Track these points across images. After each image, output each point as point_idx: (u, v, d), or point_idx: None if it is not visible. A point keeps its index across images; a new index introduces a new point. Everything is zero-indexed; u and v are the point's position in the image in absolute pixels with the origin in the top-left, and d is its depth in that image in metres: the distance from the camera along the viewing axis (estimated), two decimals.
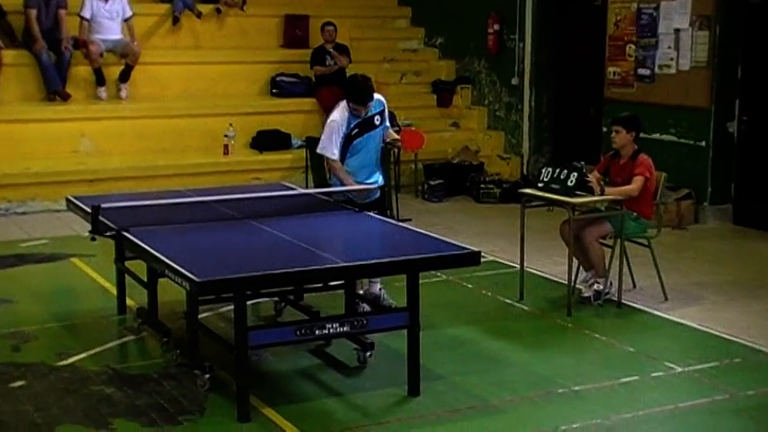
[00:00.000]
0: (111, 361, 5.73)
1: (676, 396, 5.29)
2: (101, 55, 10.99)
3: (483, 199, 10.82)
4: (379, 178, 6.65)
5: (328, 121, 6.46)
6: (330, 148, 6.39)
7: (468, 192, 11.06)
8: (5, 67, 10.62)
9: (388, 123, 6.70)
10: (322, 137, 6.50)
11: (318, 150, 6.53)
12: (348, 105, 6.37)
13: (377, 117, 6.49)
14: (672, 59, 9.74)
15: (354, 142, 6.42)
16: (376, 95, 6.47)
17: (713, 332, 6.35)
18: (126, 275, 6.45)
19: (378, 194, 6.65)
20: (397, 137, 7.02)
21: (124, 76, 11.15)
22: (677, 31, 9.68)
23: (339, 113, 6.41)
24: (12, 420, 4.87)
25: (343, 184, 6.46)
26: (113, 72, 11.18)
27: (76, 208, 6.41)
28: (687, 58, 9.59)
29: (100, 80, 11.02)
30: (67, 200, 6.69)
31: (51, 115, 10.57)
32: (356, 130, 6.41)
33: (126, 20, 11.32)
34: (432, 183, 11.00)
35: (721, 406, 5.18)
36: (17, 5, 11.01)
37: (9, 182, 9.82)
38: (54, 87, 10.75)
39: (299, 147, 11.09)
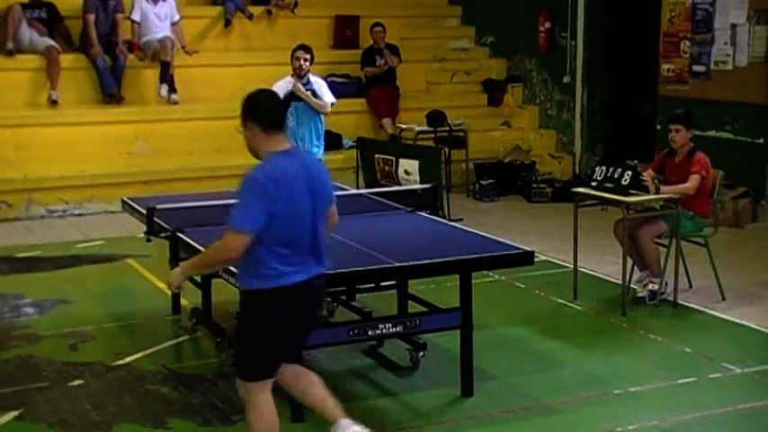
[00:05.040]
0: (167, 361, 5.80)
1: (735, 398, 5.20)
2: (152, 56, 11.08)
3: (535, 198, 10.74)
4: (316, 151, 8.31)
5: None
6: None
7: (519, 191, 10.99)
8: (62, 71, 10.81)
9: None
10: None
11: None
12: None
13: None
14: (728, 55, 9.58)
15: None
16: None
17: None
18: None
19: (319, 155, 8.23)
20: None
21: (164, 77, 10.94)
22: (734, 26, 9.52)
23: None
24: (71, 419, 4.95)
25: None
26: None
27: (132, 209, 6.49)
28: (744, 53, 9.42)
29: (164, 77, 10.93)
30: (123, 201, 6.79)
31: (106, 118, 10.72)
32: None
33: (173, 24, 11.40)
34: (483, 182, 10.95)
35: None
36: (74, 10, 11.19)
37: (66, 184, 9.98)
38: (109, 90, 10.90)
39: (350, 147, 11.10)
